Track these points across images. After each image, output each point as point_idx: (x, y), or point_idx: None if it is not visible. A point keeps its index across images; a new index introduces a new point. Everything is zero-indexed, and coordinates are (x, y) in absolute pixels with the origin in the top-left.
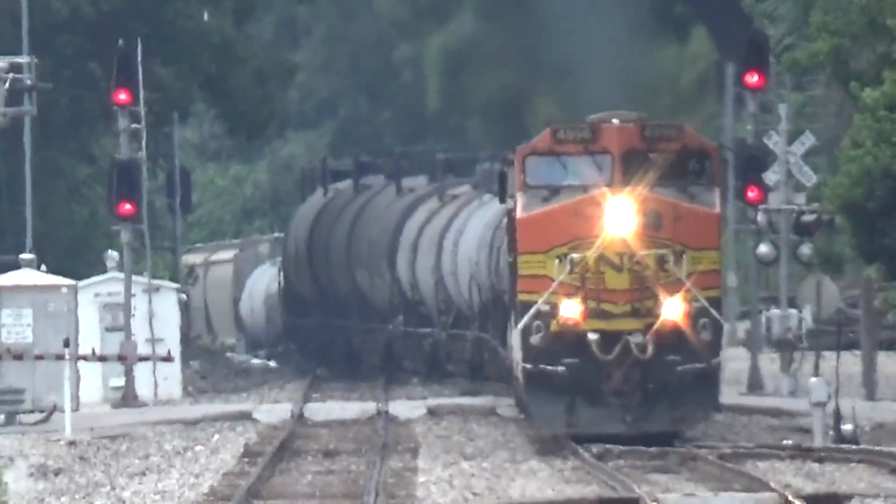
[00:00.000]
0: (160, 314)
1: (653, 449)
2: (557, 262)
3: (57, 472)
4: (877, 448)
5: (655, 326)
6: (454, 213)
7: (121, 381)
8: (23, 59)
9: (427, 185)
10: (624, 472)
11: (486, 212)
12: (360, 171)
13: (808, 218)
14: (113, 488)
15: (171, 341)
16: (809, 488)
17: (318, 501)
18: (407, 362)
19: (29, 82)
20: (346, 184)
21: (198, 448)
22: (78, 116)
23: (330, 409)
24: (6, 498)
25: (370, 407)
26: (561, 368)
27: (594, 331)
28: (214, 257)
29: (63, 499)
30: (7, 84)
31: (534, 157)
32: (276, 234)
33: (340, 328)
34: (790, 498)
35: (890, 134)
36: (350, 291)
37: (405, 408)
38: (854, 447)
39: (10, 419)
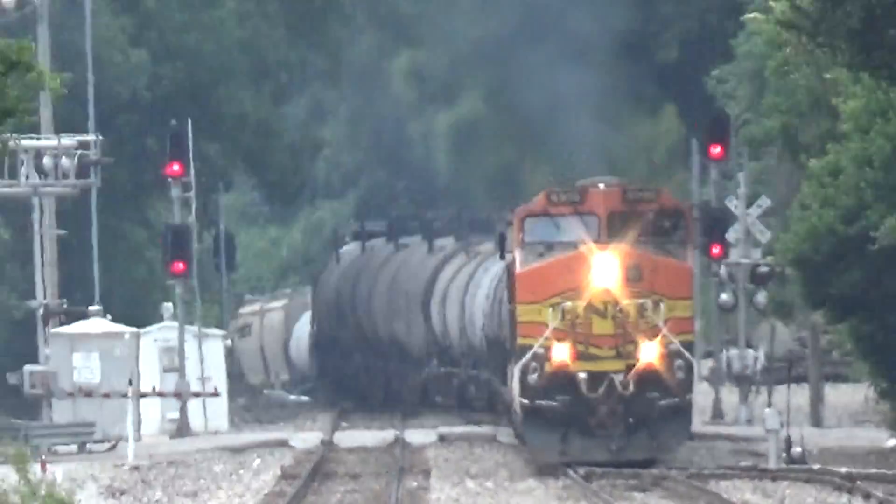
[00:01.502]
0: (209, 357)
1: (630, 470)
2: (551, 311)
3: (122, 493)
4: (823, 468)
5: (636, 367)
6: (475, 268)
7: (176, 414)
8: (89, 137)
9: (455, 244)
10: (607, 490)
11: (494, 267)
12: (394, 231)
13: (762, 270)
14: None
15: (219, 380)
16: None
17: None
18: (439, 398)
19: (94, 157)
20: (378, 242)
21: (241, 471)
22: (137, 186)
23: (355, 437)
24: None
25: (389, 435)
26: (555, 404)
27: (582, 371)
28: (268, 306)
29: None
30: (76, 159)
31: (531, 217)
32: None
33: (381, 370)
34: None
35: (833, 198)
36: (390, 338)
37: (419, 435)
38: (803, 467)
39: (82, 448)
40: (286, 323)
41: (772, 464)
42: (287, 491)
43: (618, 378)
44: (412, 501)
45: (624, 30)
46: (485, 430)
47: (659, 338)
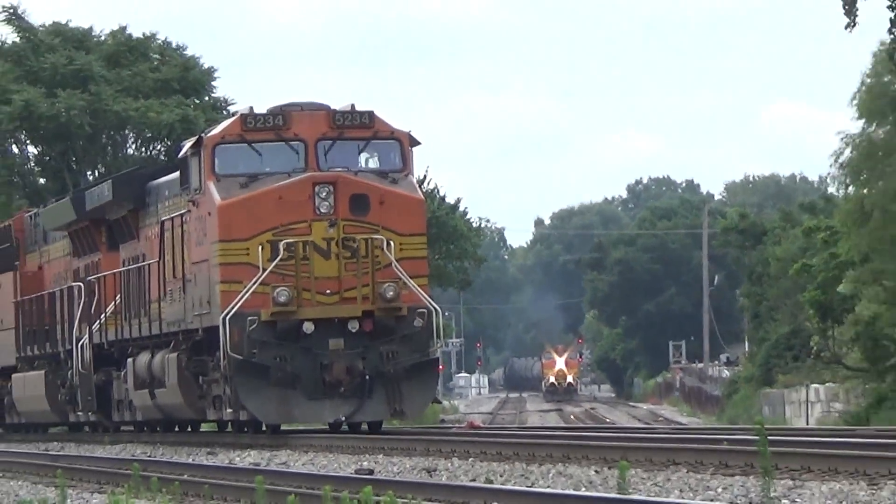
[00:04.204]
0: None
1: None
2: None
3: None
4: None
5: None
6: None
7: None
8: None
9: (527, 360)
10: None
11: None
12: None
13: None
14: None
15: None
16: None
17: (513, 406)
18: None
19: None
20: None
21: (494, 400)
22: None
23: (505, 394)
24: None
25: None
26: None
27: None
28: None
29: None
30: None
31: None
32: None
33: (519, 381)
34: None
35: None
36: (522, 376)
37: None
38: None
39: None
40: (502, 374)
41: None
42: (499, 406)
43: None
44: (524, 402)
45: None
46: (535, 393)
47: None
